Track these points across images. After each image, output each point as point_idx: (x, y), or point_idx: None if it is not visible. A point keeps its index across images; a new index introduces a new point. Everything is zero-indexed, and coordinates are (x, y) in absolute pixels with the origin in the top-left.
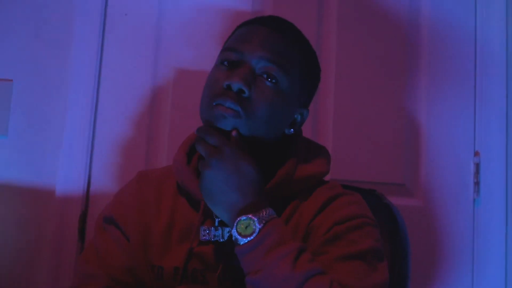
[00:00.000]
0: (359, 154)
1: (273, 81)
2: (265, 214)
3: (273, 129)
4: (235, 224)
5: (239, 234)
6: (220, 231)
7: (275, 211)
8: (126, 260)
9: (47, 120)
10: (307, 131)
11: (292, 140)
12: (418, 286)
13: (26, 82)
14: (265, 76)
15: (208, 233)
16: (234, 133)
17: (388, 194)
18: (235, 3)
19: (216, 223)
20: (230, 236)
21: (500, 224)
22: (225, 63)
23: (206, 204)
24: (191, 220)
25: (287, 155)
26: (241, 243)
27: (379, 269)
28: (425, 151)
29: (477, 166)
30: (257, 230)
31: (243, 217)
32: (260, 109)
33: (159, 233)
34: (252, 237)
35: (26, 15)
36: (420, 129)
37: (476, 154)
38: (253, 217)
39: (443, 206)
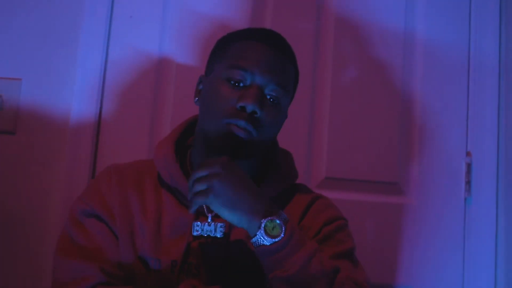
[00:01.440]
0: (354, 152)
1: (275, 101)
2: (283, 215)
3: (271, 140)
4: (262, 226)
5: (268, 235)
6: (212, 227)
7: None
8: (116, 254)
9: (53, 118)
10: (303, 130)
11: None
12: (409, 282)
13: (34, 80)
14: (268, 97)
15: (200, 228)
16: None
17: (381, 192)
18: (234, 14)
19: (209, 219)
20: (224, 231)
21: (491, 223)
22: (232, 82)
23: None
24: (180, 215)
25: (269, 160)
26: (268, 243)
27: (359, 266)
28: (418, 150)
29: (469, 166)
30: (283, 231)
31: (274, 219)
32: (267, 127)
33: (148, 227)
34: (279, 238)
35: (35, 16)
36: (414, 129)
37: (468, 154)
38: (277, 219)
39: (435, 205)
